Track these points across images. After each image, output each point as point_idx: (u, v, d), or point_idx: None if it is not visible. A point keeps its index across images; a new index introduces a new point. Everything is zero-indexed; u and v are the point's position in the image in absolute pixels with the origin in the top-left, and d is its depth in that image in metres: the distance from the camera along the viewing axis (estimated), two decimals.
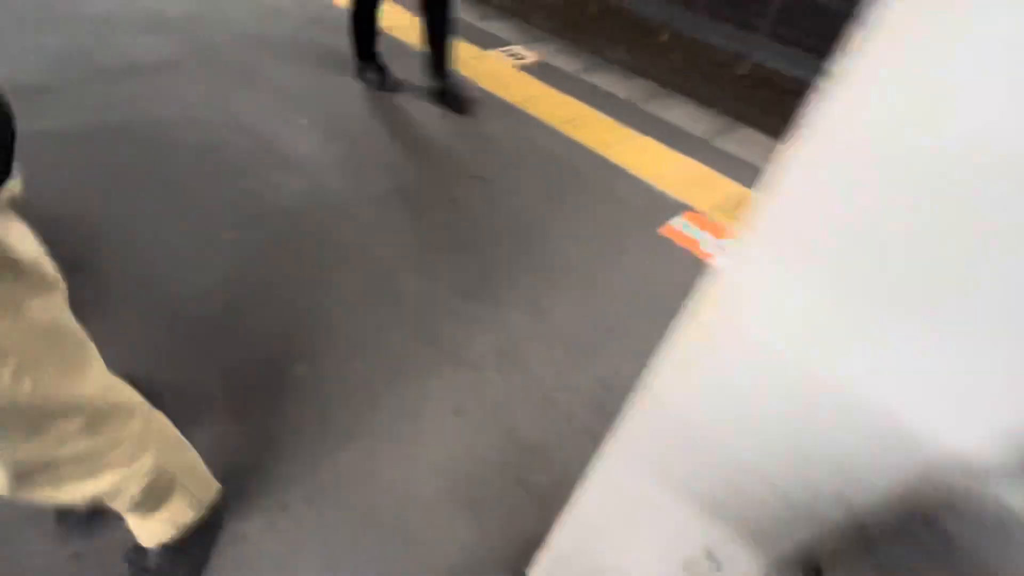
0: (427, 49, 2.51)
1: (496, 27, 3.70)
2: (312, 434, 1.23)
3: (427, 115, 2.55)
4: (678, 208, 2.26)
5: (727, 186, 2.49)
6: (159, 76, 2.37)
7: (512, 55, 3.33)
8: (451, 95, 2.57)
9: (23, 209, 0.55)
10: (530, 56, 3.37)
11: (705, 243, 2.08)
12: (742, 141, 3.00)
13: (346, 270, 1.66)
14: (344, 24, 2.47)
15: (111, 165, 1.85)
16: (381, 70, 2.62)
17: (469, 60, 3.12)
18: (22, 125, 0.51)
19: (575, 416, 1.38)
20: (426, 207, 1.98)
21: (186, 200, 1.78)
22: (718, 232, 2.15)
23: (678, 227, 2.14)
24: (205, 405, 1.24)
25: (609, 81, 3.33)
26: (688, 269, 1.95)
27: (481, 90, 2.83)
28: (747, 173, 2.63)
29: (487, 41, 3.42)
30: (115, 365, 0.72)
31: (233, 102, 2.30)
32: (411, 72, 2.68)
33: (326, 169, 2.05)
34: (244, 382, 1.31)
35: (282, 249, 1.69)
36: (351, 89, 2.60)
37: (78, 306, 0.64)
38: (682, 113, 3.16)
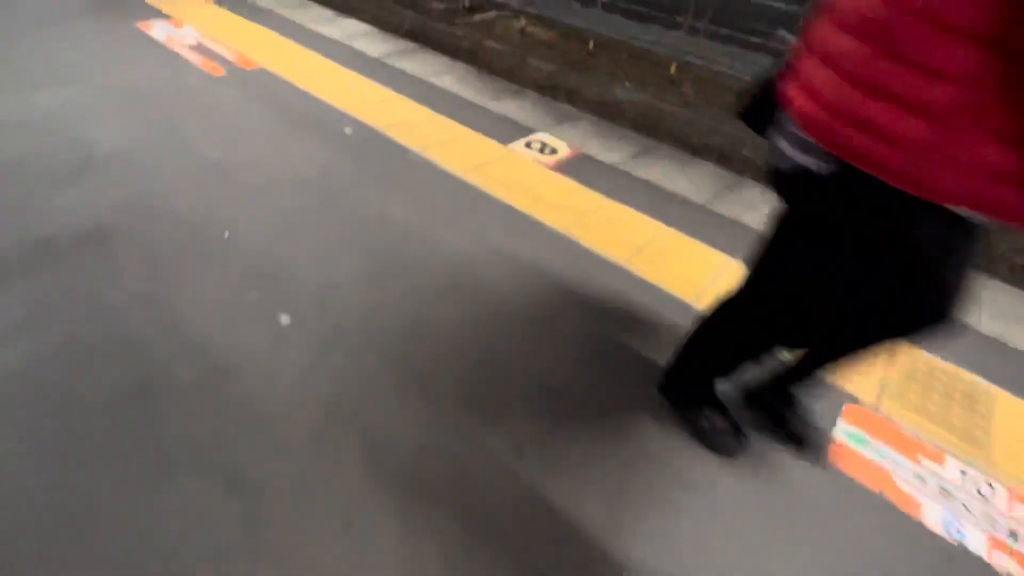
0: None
1: (513, 107, 3.07)
2: None
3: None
4: (835, 401, 1.56)
5: None
6: (80, 256, 1.70)
7: (540, 148, 2.68)
8: (791, 427, 1.42)
9: None
10: (562, 147, 2.72)
11: (900, 472, 1.37)
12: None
13: None
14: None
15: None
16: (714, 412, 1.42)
17: (488, 164, 2.47)
18: None
19: None
20: (473, 488, 1.29)
21: (87, 503, 1.09)
22: (906, 446, 1.45)
23: (850, 443, 1.44)
24: None
25: (668, 172, 2.67)
26: (896, 535, 1.24)
27: (511, 210, 2.17)
28: None
29: (505, 130, 2.78)
30: None
31: (180, 296, 1.62)
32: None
33: (301, 411, 1.37)
34: None
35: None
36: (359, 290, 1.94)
37: None
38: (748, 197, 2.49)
